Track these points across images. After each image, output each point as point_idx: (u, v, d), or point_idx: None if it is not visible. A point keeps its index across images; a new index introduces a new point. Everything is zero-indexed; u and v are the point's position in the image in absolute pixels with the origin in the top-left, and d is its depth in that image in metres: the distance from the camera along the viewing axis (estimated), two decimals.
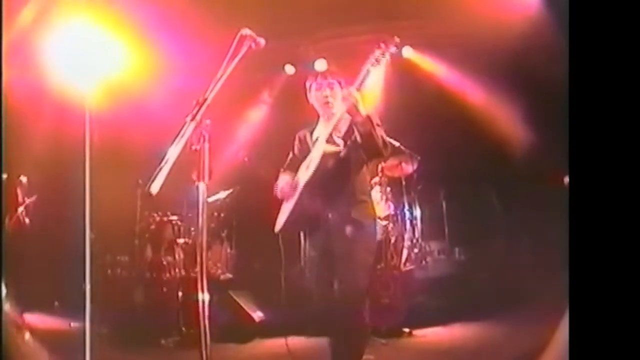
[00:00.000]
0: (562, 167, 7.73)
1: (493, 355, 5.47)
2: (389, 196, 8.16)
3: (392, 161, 8.38)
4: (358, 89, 4.34)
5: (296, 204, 4.57)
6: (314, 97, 4.76)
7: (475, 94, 9.60)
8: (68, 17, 6.29)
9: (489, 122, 9.32)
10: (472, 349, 5.98)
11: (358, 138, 4.38)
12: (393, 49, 4.49)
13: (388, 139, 4.58)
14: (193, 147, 3.07)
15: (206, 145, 3.11)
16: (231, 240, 9.31)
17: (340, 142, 4.49)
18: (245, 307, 7.34)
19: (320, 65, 9.43)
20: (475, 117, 9.40)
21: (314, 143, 4.71)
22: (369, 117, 4.33)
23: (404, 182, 8.77)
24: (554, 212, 7.83)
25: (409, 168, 8.66)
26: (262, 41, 3.45)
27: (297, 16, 8.01)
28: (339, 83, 4.70)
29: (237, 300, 7.40)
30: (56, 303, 8.28)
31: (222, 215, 9.15)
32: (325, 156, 4.46)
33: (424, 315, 7.24)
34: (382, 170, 8.20)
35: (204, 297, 3.14)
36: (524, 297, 7.07)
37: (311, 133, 4.86)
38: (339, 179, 4.51)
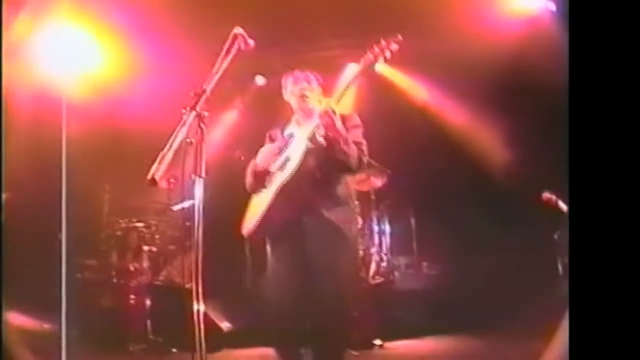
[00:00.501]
0: (539, 184, 7.89)
1: None
2: (358, 210, 8.14)
3: (360, 175, 8.38)
4: (338, 102, 4.27)
5: (270, 207, 4.41)
6: (289, 92, 4.68)
7: (448, 110, 9.72)
8: (53, 16, 6.25)
9: (462, 138, 9.44)
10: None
11: (331, 151, 4.31)
12: (394, 46, 4.39)
13: (366, 157, 4.53)
14: (188, 140, 2.99)
15: (204, 138, 3.06)
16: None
17: (323, 141, 4.38)
18: (213, 317, 7.27)
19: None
20: (447, 133, 9.52)
21: (287, 140, 4.61)
22: (341, 132, 4.27)
23: (373, 196, 8.74)
24: (526, 227, 7.97)
25: (378, 182, 8.65)
26: (251, 42, 3.42)
27: (270, 27, 8.02)
28: (316, 78, 4.67)
29: (206, 310, 7.29)
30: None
31: (187, 223, 9.07)
32: (307, 155, 4.35)
33: (396, 328, 7.28)
34: (351, 184, 8.16)
35: (199, 307, 3.12)
36: (497, 311, 7.11)
37: (282, 131, 4.76)
38: (320, 180, 4.41)
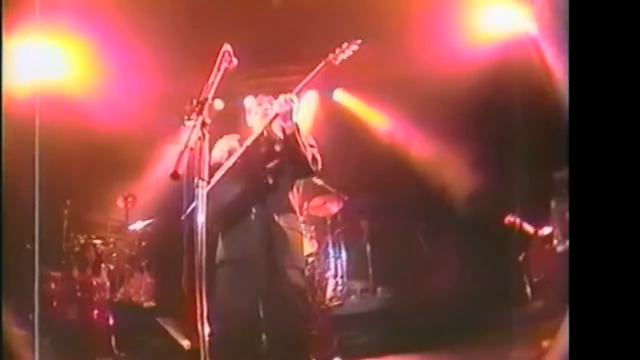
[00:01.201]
0: (502, 208, 7.92)
1: None
2: (314, 234, 8.21)
3: (317, 201, 8.57)
4: (298, 95, 4.34)
5: (213, 187, 4.15)
6: (253, 113, 4.71)
7: (407, 137, 9.90)
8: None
9: (420, 165, 9.59)
10: None
11: (284, 147, 4.39)
12: (355, 47, 4.53)
13: (318, 155, 4.54)
14: (190, 145, 3.01)
15: (206, 144, 3.12)
16: (150, 269, 9.31)
17: (280, 134, 4.44)
18: (174, 335, 7.30)
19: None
20: (405, 160, 9.69)
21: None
22: (297, 126, 4.33)
23: (328, 221, 8.92)
24: (490, 251, 8.05)
25: (334, 208, 8.85)
26: (235, 61, 3.59)
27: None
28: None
29: (165, 327, 7.38)
30: None
31: (143, 244, 9.17)
32: (260, 140, 4.41)
33: (355, 347, 7.38)
34: (307, 209, 8.27)
35: (203, 330, 3.05)
36: (453, 333, 7.19)
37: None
38: (272, 185, 4.43)
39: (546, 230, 7.50)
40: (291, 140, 4.33)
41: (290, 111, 4.28)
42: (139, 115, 8.59)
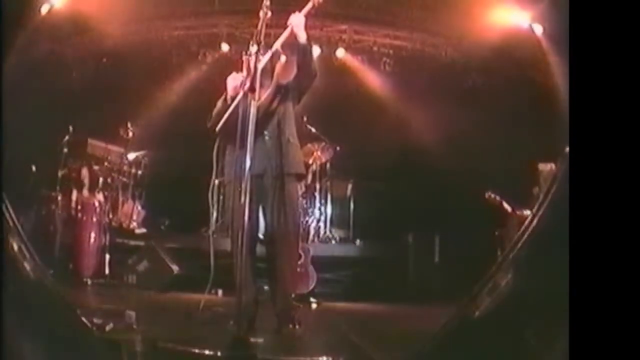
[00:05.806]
0: (481, 180, 8.09)
1: (389, 325, 5.84)
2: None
3: (309, 147, 8.89)
4: (306, 16, 4.51)
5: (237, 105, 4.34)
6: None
7: (402, 100, 10.15)
8: None
9: (409, 126, 9.93)
10: (377, 322, 6.30)
11: (296, 57, 4.61)
12: None
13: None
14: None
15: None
16: (141, 198, 9.69)
17: (302, 38, 4.57)
18: (165, 259, 7.52)
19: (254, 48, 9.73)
20: (396, 121, 10.04)
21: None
22: (309, 42, 4.57)
23: (318, 169, 9.21)
24: (468, 221, 8.31)
25: (324, 157, 9.19)
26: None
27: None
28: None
29: (159, 250, 7.59)
30: None
31: (138, 173, 9.49)
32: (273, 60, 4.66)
33: (332, 289, 7.85)
34: None
35: (244, 250, 3.42)
36: (421, 291, 7.71)
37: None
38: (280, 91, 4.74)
39: (525, 213, 7.50)
40: (307, 49, 4.58)
41: (303, 23, 4.48)
42: (153, 45, 8.79)
